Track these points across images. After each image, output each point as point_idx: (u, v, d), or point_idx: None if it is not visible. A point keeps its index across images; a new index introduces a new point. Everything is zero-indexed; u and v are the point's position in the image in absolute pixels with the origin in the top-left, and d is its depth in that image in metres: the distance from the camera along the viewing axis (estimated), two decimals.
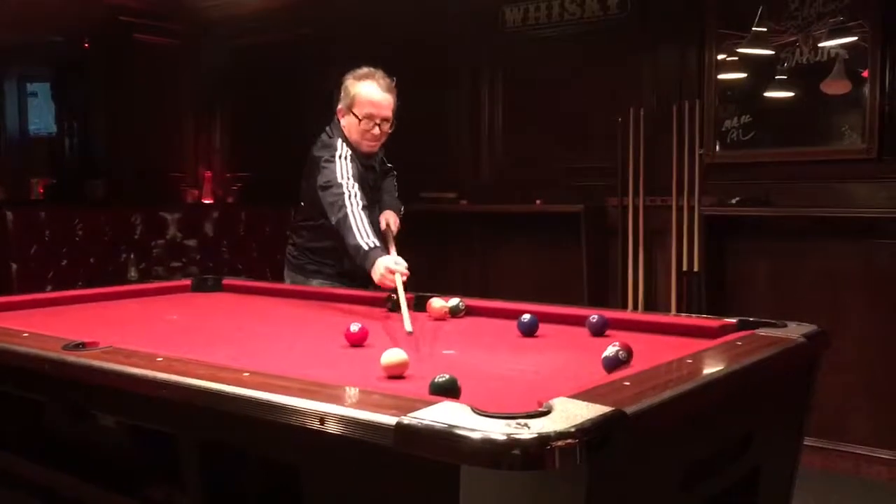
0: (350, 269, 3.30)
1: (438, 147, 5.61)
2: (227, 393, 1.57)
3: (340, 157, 3.14)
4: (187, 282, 3.57)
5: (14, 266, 5.16)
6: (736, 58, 4.50)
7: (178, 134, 6.94)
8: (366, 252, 2.86)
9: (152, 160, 6.71)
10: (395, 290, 2.73)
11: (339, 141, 3.20)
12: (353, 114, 3.18)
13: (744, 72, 4.51)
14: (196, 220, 6.00)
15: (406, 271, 2.77)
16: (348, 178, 3.07)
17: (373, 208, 3.33)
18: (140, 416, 1.87)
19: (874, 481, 4.06)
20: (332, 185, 3.07)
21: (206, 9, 6.60)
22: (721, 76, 4.55)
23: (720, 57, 4.54)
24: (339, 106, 3.25)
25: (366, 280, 3.07)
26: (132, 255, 5.60)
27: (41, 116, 9.41)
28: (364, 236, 2.91)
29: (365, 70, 3.24)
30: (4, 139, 9.32)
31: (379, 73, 3.22)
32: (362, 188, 3.11)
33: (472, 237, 5.59)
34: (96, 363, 1.85)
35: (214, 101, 7.05)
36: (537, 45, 5.27)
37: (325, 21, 6.15)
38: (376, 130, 3.19)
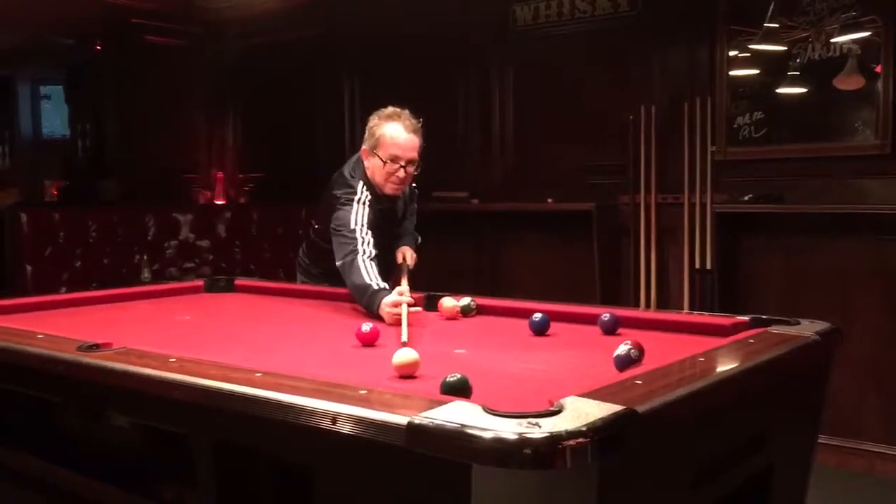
0: None
1: (449, 146, 5.61)
2: (240, 393, 1.58)
3: (359, 201, 3.02)
4: (200, 282, 3.59)
5: (29, 268, 5.20)
6: (748, 54, 4.47)
7: (190, 135, 6.97)
8: (374, 291, 2.72)
9: (165, 161, 6.75)
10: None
11: (361, 184, 3.07)
12: (378, 155, 3.04)
13: (755, 68, 4.49)
14: (209, 220, 6.02)
15: (411, 299, 2.62)
16: (362, 226, 2.94)
17: (391, 247, 3.27)
18: (153, 416, 1.88)
19: (889, 479, 4.03)
20: (344, 229, 2.96)
21: (218, 10, 6.62)
22: (732, 73, 4.53)
23: (731, 53, 4.52)
24: (364, 147, 3.12)
25: None
26: (145, 256, 5.63)
27: (54, 119, 9.48)
28: (373, 277, 2.79)
29: (390, 110, 3.11)
30: (18, 142, 9.39)
31: (405, 114, 3.09)
32: (379, 233, 3.01)
33: (484, 236, 5.59)
34: (110, 364, 1.86)
35: (226, 102, 7.07)
36: (548, 43, 5.26)
37: (335, 22, 6.17)
38: (401, 173, 3.05)
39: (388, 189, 3.10)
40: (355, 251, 2.87)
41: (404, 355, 1.87)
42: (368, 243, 2.90)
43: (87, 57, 7.77)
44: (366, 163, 3.12)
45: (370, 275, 2.80)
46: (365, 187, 3.07)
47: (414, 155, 3.07)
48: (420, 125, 3.10)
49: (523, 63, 5.40)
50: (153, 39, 6.65)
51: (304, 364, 1.98)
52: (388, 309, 2.60)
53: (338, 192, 3.09)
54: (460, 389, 1.56)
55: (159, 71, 6.65)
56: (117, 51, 6.93)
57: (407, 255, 3.29)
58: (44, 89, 9.50)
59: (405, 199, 3.37)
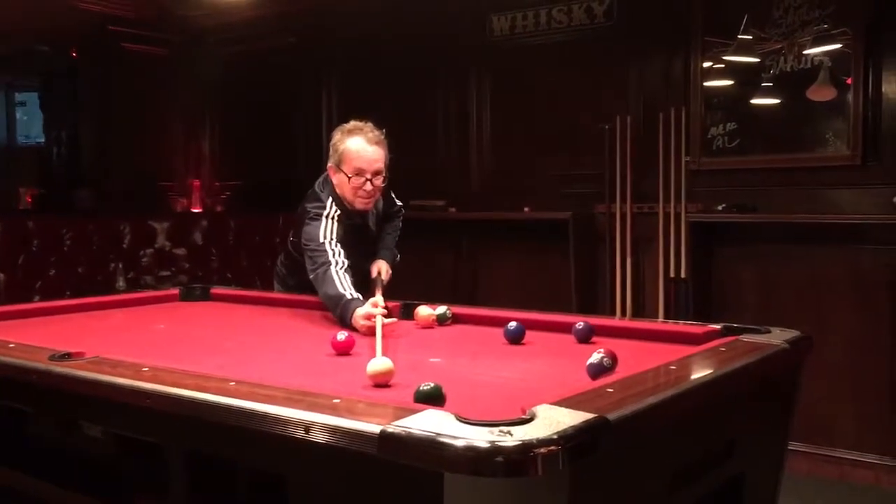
0: None
1: (427, 155, 5.62)
2: (213, 402, 1.58)
3: (327, 216, 3.01)
4: (175, 291, 3.58)
5: (1, 276, 5.14)
6: (722, 65, 4.53)
7: (166, 143, 6.93)
8: (347, 301, 2.71)
9: (141, 169, 6.70)
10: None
11: (330, 200, 3.07)
12: (343, 171, 3.05)
13: (729, 79, 4.55)
14: (185, 228, 5.99)
15: (384, 310, 2.61)
16: (331, 240, 2.94)
17: (366, 262, 3.25)
18: (126, 426, 1.87)
19: (860, 486, 4.08)
20: (313, 243, 2.96)
21: (195, 18, 6.60)
22: (707, 83, 4.59)
23: (706, 65, 4.57)
24: (329, 164, 3.12)
25: None
26: (120, 265, 5.58)
27: (29, 126, 9.39)
28: (346, 287, 2.78)
29: (352, 124, 3.11)
30: None
31: (368, 127, 3.09)
32: (351, 247, 3.00)
33: (461, 245, 5.61)
34: (82, 373, 1.85)
35: (203, 110, 7.04)
36: (525, 52, 5.29)
37: (313, 31, 6.17)
38: (368, 186, 3.04)
39: (359, 204, 3.09)
40: (327, 262, 2.86)
41: (378, 364, 1.87)
42: (339, 254, 2.89)
43: (63, 64, 7.71)
44: (333, 179, 3.11)
45: (343, 285, 2.78)
46: (334, 203, 3.05)
47: (379, 167, 3.06)
48: (383, 136, 3.09)
49: (500, 73, 5.42)
50: (130, 47, 6.62)
51: (278, 373, 1.98)
52: (361, 321, 2.59)
53: (308, 207, 3.08)
54: (434, 398, 1.57)
55: (136, 79, 6.61)
56: (94, 58, 6.88)
57: (382, 268, 3.27)
58: (19, 96, 9.42)
59: (378, 215, 3.35)
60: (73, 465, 2.16)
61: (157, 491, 1.84)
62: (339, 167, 3.07)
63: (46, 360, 1.96)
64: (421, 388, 1.60)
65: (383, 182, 3.11)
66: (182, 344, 2.54)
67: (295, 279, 3.41)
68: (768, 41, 4.37)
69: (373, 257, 3.32)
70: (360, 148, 3.03)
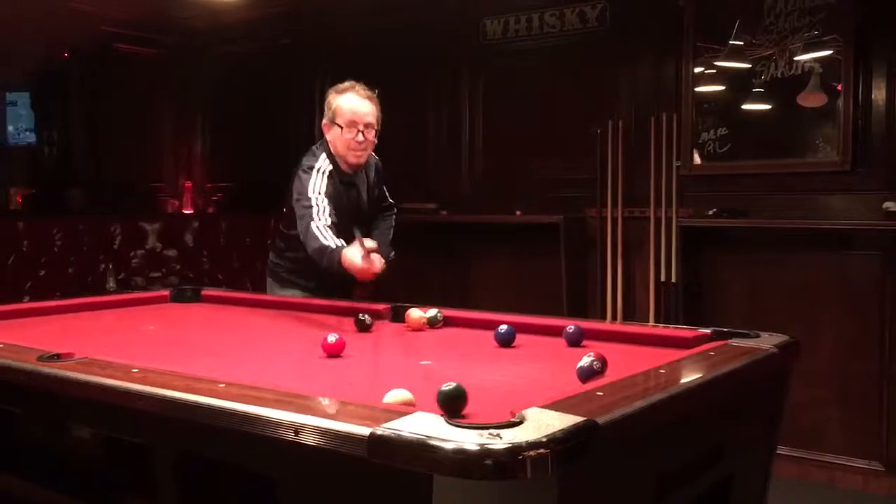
0: (323, 286, 3.33)
1: (419, 158, 5.63)
2: (203, 404, 1.58)
3: (318, 170, 3.17)
4: (165, 292, 3.56)
5: None
6: (713, 71, 4.56)
7: (158, 144, 6.93)
8: (332, 250, 2.89)
9: (132, 170, 6.69)
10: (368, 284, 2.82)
11: (323, 155, 3.23)
12: (337, 125, 3.22)
13: (721, 85, 4.57)
14: (176, 230, 5.98)
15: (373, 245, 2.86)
16: (319, 194, 3.09)
17: (357, 227, 3.26)
18: (116, 427, 1.86)
19: (848, 491, 4.09)
20: (303, 198, 3.10)
21: (188, 19, 6.60)
22: (698, 89, 4.61)
23: (697, 70, 4.59)
24: (324, 121, 3.28)
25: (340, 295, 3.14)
26: (111, 266, 5.57)
27: (20, 126, 9.36)
28: (329, 239, 2.93)
29: (346, 84, 3.28)
30: None
31: (360, 85, 3.27)
32: (340, 206, 3.13)
33: (452, 248, 5.61)
34: (71, 374, 1.85)
35: (195, 111, 7.04)
36: (517, 57, 5.31)
37: (306, 32, 6.17)
38: (360, 138, 3.20)
39: (352, 157, 3.24)
40: (310, 218, 3.02)
41: (396, 396, 1.75)
42: (324, 210, 3.04)
43: (55, 64, 7.68)
44: (328, 136, 3.28)
45: (326, 237, 2.95)
46: (327, 159, 3.21)
47: (370, 120, 3.23)
48: (376, 94, 3.28)
49: (493, 76, 5.44)
50: (122, 48, 6.62)
51: (268, 375, 1.98)
52: (349, 255, 2.80)
53: (303, 161, 3.25)
54: (456, 398, 1.54)
55: (128, 79, 6.61)
56: (86, 58, 6.87)
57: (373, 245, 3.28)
58: (10, 95, 9.39)
59: (370, 185, 3.45)
60: (61, 466, 2.15)
61: (145, 493, 1.84)
62: (332, 122, 3.24)
63: (35, 361, 1.95)
64: (442, 388, 1.56)
65: (375, 137, 3.27)
66: (172, 345, 2.54)
67: (283, 259, 3.48)
68: (759, 47, 4.39)
69: (365, 231, 3.37)
70: (351, 102, 3.22)
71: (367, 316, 2.69)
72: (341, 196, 3.21)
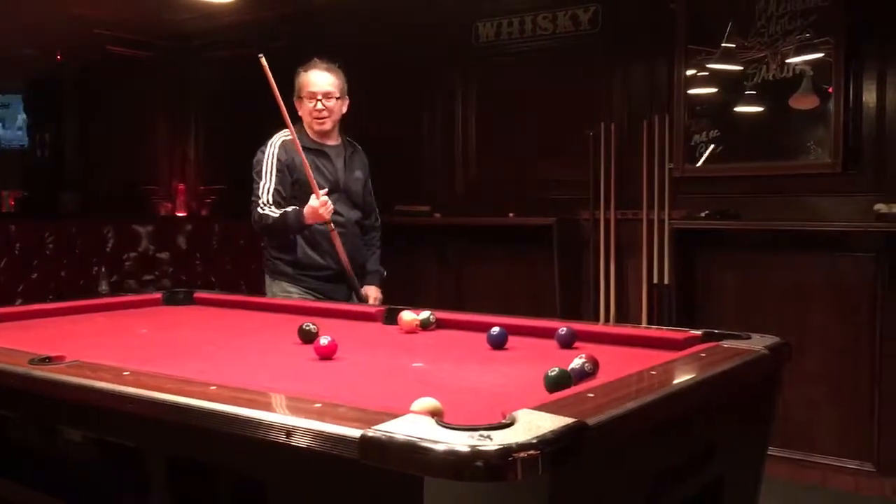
0: (315, 287, 3.49)
1: (412, 160, 5.63)
2: (194, 407, 1.57)
3: (269, 145, 3.53)
4: (158, 295, 3.56)
5: None
6: (705, 73, 4.57)
7: (151, 146, 6.92)
8: (285, 212, 3.36)
9: (125, 173, 6.69)
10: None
11: (284, 130, 3.48)
12: (301, 97, 3.55)
13: (713, 87, 4.58)
14: (169, 232, 5.97)
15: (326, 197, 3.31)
16: (266, 174, 3.49)
17: (341, 204, 3.54)
18: (107, 430, 1.86)
19: (840, 492, 4.11)
20: (252, 193, 3.51)
21: (182, 22, 6.59)
22: (690, 91, 4.62)
23: (690, 72, 4.61)
24: (294, 99, 3.58)
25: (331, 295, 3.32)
26: (104, 269, 5.56)
27: (13, 128, 9.35)
28: (275, 211, 3.38)
29: (310, 62, 3.58)
30: None
31: (321, 61, 3.56)
32: (308, 172, 3.37)
33: (446, 250, 5.61)
34: (62, 377, 1.84)
35: (188, 114, 7.03)
36: (510, 59, 5.32)
37: (298, 36, 6.17)
38: (319, 105, 3.50)
39: (315, 125, 3.56)
40: (254, 208, 3.45)
41: (424, 404, 1.70)
42: (267, 191, 3.45)
43: (48, 67, 7.68)
44: (299, 112, 3.59)
45: (274, 211, 3.39)
46: (288, 132, 3.46)
47: (329, 89, 3.53)
48: (337, 66, 3.58)
49: (486, 79, 5.44)
50: (116, 50, 6.61)
51: (261, 377, 1.98)
52: (315, 206, 3.27)
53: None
54: (563, 381, 1.70)
55: (121, 82, 6.60)
56: (79, 61, 6.86)
57: (371, 295, 3.58)
58: (3, 98, 9.38)
59: (346, 159, 3.64)
60: (53, 470, 2.15)
61: (137, 496, 1.83)
62: (299, 97, 3.58)
63: (26, 364, 1.95)
64: (549, 373, 1.73)
65: (338, 103, 3.55)
66: (164, 348, 2.53)
67: (275, 253, 3.63)
68: (751, 50, 4.41)
69: (351, 209, 3.60)
70: (310, 75, 3.56)
71: (311, 325, 2.51)
72: (312, 162, 3.44)
